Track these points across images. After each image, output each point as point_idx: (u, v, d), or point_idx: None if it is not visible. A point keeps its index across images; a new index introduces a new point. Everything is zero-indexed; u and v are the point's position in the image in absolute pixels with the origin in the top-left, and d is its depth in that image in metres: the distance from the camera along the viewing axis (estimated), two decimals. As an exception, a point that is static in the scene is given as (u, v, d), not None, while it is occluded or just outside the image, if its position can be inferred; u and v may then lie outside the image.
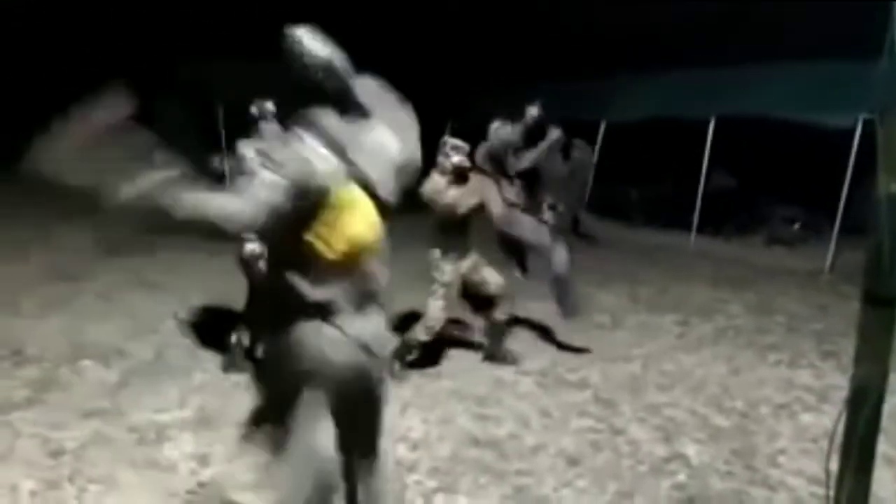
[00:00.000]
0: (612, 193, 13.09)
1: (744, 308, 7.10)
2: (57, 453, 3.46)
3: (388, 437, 2.42)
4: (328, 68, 2.13)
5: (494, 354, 5.15)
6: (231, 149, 13.59)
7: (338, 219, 2.09)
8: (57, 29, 18.00)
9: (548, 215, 8.77)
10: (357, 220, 2.13)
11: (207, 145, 13.41)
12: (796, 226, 11.29)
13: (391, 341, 2.40)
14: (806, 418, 4.34)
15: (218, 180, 13.60)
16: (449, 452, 3.66)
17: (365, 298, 2.22)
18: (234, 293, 6.56)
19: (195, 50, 14.43)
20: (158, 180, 1.88)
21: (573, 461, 3.65)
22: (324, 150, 2.08)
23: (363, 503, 2.42)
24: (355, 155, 2.12)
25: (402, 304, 5.36)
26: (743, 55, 11.33)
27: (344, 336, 2.17)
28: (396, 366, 4.65)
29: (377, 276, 2.27)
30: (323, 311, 2.15)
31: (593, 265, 8.62)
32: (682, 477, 3.54)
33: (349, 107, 2.17)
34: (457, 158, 4.63)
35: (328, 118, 2.12)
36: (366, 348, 2.21)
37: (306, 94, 2.15)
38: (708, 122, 11.00)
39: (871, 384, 1.40)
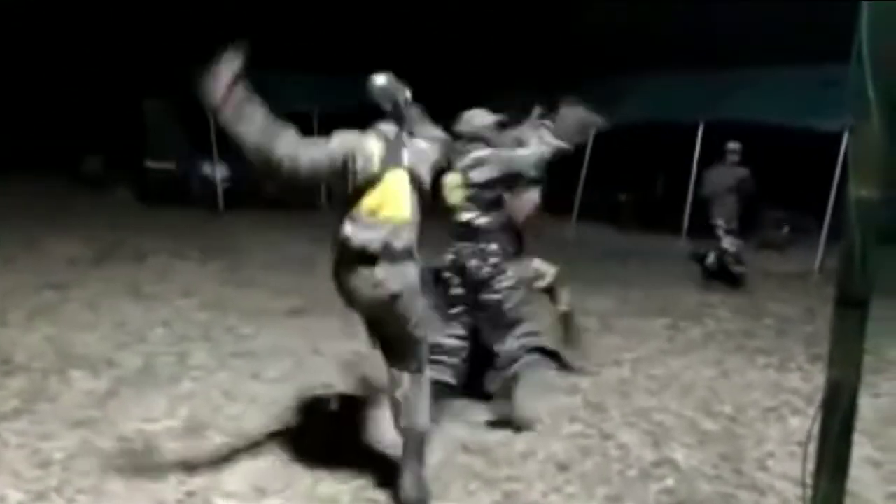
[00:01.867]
0: (602, 197, 13.13)
1: (733, 311, 7.14)
2: (45, 464, 3.44)
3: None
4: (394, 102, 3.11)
5: (574, 346, 5.17)
6: (221, 155, 13.49)
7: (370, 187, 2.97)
8: (46, 31, 17.89)
9: (727, 241, 8.38)
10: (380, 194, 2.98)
11: (199, 149, 13.43)
12: (785, 229, 11.36)
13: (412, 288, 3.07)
14: (794, 422, 4.36)
15: (207, 186, 13.55)
16: (439, 459, 3.65)
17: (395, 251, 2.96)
18: (224, 300, 6.58)
19: (187, 53, 14.35)
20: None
21: (562, 466, 3.66)
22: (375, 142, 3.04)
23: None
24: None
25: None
26: (731, 60, 11.42)
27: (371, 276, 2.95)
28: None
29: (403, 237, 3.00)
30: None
31: (584, 268, 8.64)
32: (670, 482, 3.55)
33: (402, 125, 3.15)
34: None
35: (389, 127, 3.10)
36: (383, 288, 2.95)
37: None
38: (697, 127, 11.06)
39: (845, 386, 1.42)
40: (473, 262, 3.82)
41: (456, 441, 3.87)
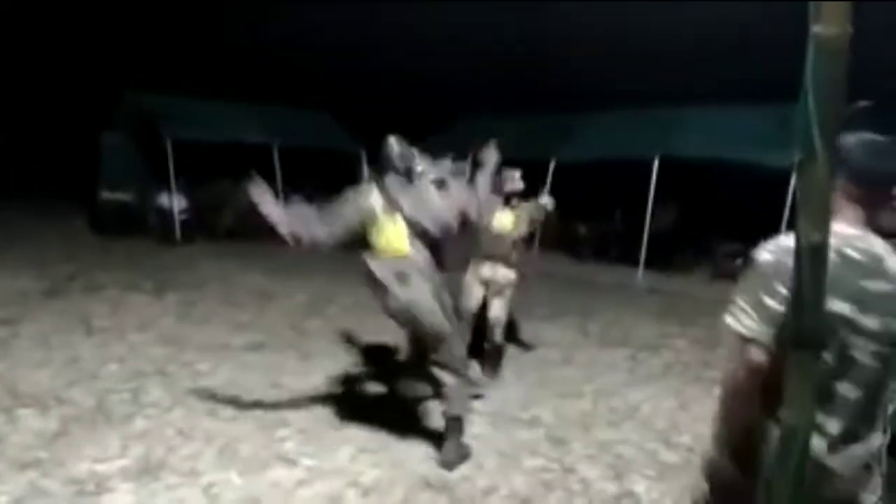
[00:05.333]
0: (561, 230, 13.30)
1: (690, 342, 7.25)
2: (-11, 509, 3.30)
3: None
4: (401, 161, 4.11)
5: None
6: (178, 186, 13.29)
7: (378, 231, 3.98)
8: (6, 59, 17.62)
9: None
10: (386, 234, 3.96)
11: (156, 181, 13.26)
12: (739, 261, 11.62)
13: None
14: (751, 452, 4.42)
15: (164, 217, 13.37)
16: (401, 497, 3.61)
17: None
18: (180, 335, 6.45)
19: (145, 85, 14.24)
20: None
21: (525, 502, 3.65)
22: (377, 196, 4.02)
23: None
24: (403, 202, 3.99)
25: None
26: (686, 97, 11.78)
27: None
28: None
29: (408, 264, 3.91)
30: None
31: (544, 300, 8.72)
32: (632, 515, 3.56)
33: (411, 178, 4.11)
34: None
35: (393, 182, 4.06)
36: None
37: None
38: (652, 162, 11.32)
39: (800, 426, 1.45)
40: None
41: (418, 478, 3.83)
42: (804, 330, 1.43)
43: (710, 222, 12.67)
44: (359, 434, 4.38)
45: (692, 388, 5.73)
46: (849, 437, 1.72)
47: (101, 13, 17.68)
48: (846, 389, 1.69)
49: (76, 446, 4.02)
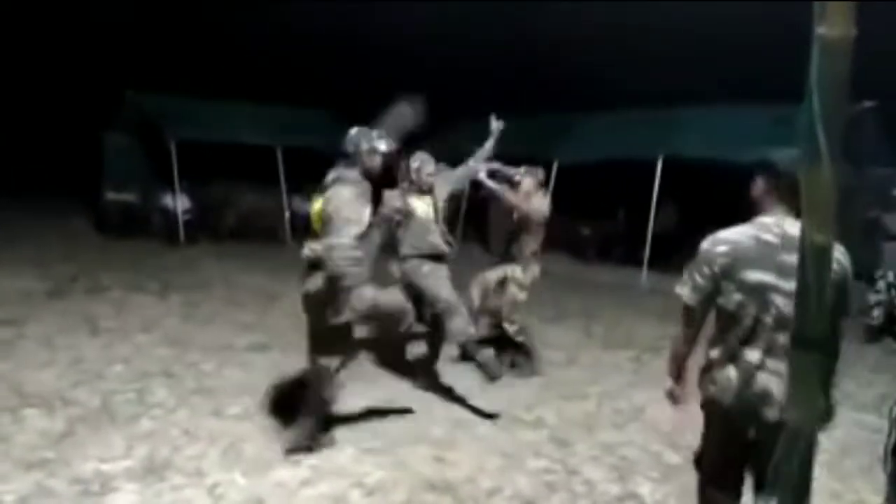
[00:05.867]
0: (564, 230, 13.30)
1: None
2: (-5, 508, 3.32)
3: None
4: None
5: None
6: (182, 187, 13.27)
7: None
8: (7, 59, 17.66)
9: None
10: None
11: (159, 182, 13.28)
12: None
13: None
14: (755, 453, 4.42)
15: (168, 217, 13.34)
16: (405, 498, 3.61)
17: None
18: (185, 335, 6.46)
19: (147, 85, 14.26)
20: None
21: (529, 503, 3.65)
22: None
23: None
24: None
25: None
26: (688, 97, 11.78)
27: None
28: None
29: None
30: None
31: (547, 301, 8.71)
32: (636, 516, 3.56)
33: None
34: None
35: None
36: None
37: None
38: (655, 163, 11.31)
39: (804, 425, 1.45)
40: None
41: (421, 478, 3.84)
42: (806, 330, 1.43)
43: (712, 222, 12.65)
44: (362, 434, 4.39)
45: (695, 390, 5.71)
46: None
47: (102, 13, 17.73)
48: (785, 339, 2.05)
49: (82, 446, 4.03)
